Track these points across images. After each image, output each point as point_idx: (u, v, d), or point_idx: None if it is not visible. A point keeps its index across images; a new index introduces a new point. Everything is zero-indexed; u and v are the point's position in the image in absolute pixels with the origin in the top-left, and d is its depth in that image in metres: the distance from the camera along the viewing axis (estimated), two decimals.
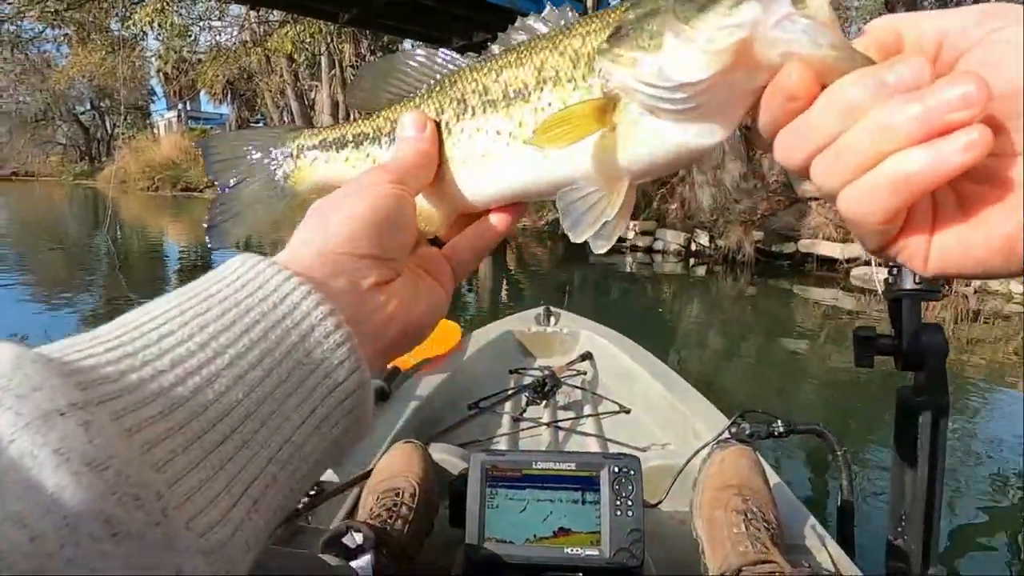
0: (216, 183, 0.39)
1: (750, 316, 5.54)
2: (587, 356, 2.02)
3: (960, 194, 0.23)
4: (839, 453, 1.00)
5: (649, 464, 1.28)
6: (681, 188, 8.61)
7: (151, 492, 0.18)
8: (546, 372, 1.72)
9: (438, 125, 0.33)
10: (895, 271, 0.74)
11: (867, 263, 6.19)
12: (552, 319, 2.26)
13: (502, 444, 1.42)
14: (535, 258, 8.78)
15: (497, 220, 0.35)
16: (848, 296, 5.82)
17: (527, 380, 1.71)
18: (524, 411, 1.60)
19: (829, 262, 6.48)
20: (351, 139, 0.36)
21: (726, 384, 3.37)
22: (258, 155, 0.38)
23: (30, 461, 0.16)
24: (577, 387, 1.82)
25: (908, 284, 0.73)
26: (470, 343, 1.91)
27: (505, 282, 7.08)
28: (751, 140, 0.28)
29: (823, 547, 0.93)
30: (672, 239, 8.17)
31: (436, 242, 0.35)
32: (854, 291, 5.93)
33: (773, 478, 1.18)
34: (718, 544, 0.75)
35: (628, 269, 7.84)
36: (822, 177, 0.23)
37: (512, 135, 0.31)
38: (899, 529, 0.71)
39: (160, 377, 0.20)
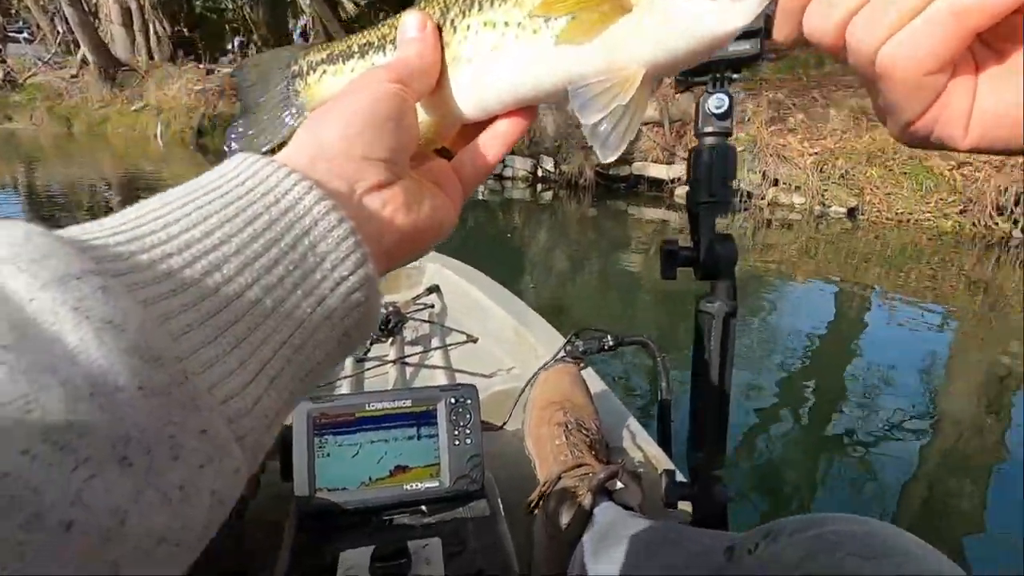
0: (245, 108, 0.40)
1: (591, 237, 5.91)
2: (434, 289, 2.00)
3: (997, 51, 0.22)
4: (659, 360, 1.10)
5: (495, 389, 1.31)
6: None
7: (171, 356, 0.18)
8: (390, 308, 1.68)
9: (441, 27, 0.32)
10: (695, 183, 0.80)
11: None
12: None
13: (344, 387, 1.37)
14: None
15: (506, 126, 0.33)
16: (673, 213, 6.44)
17: None
18: (368, 350, 1.55)
19: (657, 183, 7.06)
20: (356, 50, 0.35)
21: (569, 304, 3.60)
22: (275, 76, 0.39)
23: (51, 318, 0.16)
24: (425, 321, 1.81)
25: (704, 197, 0.78)
26: None
27: None
28: (769, 31, 0.26)
29: (642, 447, 1.03)
30: (520, 165, 8.29)
31: (445, 154, 0.34)
32: (678, 208, 6.58)
33: (600, 388, 1.29)
34: (544, 458, 0.80)
35: (480, 196, 7.86)
36: (864, 32, 0.22)
37: (520, 26, 0.29)
38: (699, 424, 0.81)
39: (169, 259, 0.20)
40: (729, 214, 5.88)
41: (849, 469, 2.15)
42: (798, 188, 6.13)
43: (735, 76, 0.80)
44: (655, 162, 7.12)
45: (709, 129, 0.81)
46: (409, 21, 0.31)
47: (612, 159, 0.29)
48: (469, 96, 0.32)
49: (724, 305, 0.77)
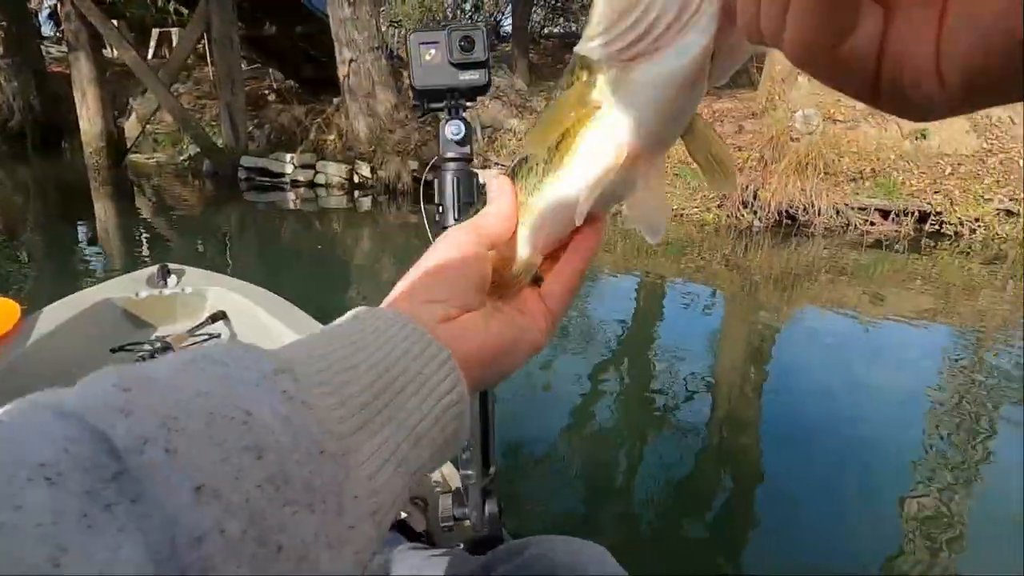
0: None
1: (415, 244, 5.87)
2: (220, 316, 1.82)
3: None
4: None
5: None
6: (338, 118, 8.34)
7: (335, 434, 0.25)
8: (157, 344, 1.48)
9: (514, 181, 0.35)
10: (440, 208, 0.82)
11: None
12: (172, 278, 1.94)
13: None
14: (180, 201, 7.46)
15: (574, 245, 0.36)
16: None
17: (137, 358, 1.45)
18: None
19: None
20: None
21: None
22: None
23: (271, 397, 0.23)
24: None
25: (450, 223, 0.81)
26: (41, 321, 1.49)
27: (144, 233, 5.86)
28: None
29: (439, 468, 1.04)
30: (334, 172, 7.94)
31: (539, 281, 0.37)
32: None
33: None
34: None
35: (292, 206, 7.36)
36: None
37: (545, 160, 0.33)
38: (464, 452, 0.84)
39: (345, 386, 0.27)
40: None
41: (633, 456, 2.43)
42: None
43: (469, 104, 0.85)
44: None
45: (451, 155, 0.84)
46: (493, 185, 0.36)
47: (658, 240, 0.31)
48: (531, 232, 0.35)
49: None
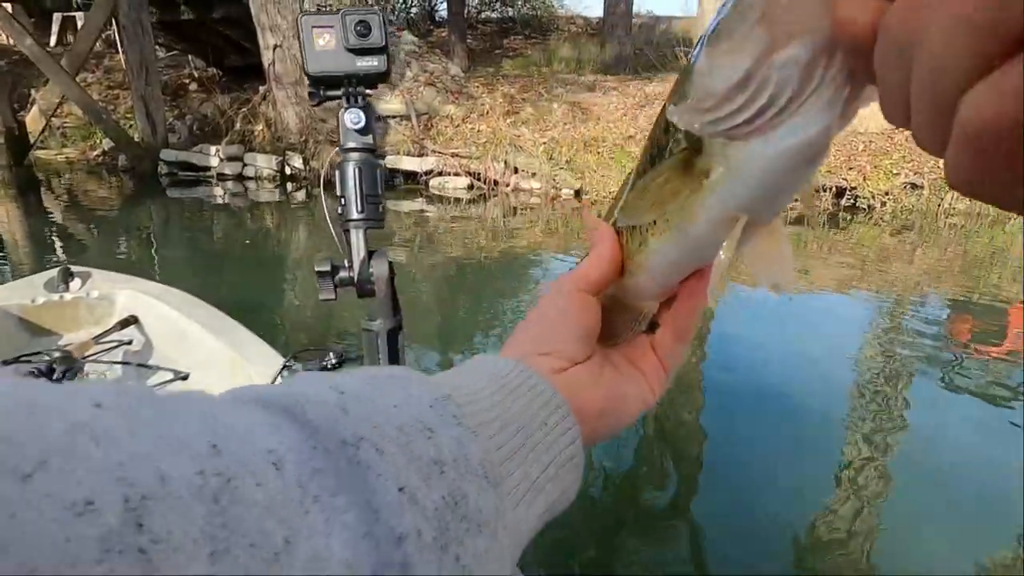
0: None
1: None
2: (131, 321, 1.72)
3: None
4: None
5: None
6: (265, 107, 7.98)
7: (493, 463, 0.26)
8: (56, 354, 1.38)
9: (618, 232, 0.35)
10: (343, 201, 0.80)
11: (440, 174, 7.09)
12: (76, 281, 1.82)
13: None
14: (94, 199, 6.96)
15: (685, 294, 0.35)
16: (431, 205, 6.59)
17: (31, 371, 1.34)
18: None
19: (412, 175, 7.15)
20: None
21: (323, 313, 3.42)
22: None
23: (444, 419, 0.25)
24: (117, 362, 1.54)
25: (352, 215, 0.79)
26: None
27: (54, 235, 5.42)
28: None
29: None
30: (264, 164, 7.62)
31: (653, 329, 0.36)
32: (434, 199, 6.76)
33: None
34: None
35: (220, 200, 7.02)
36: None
37: (653, 224, 0.32)
38: None
39: (491, 425, 0.28)
40: (381, 228, 6.21)
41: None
42: (534, 174, 6.78)
43: (369, 92, 0.82)
44: (407, 155, 7.18)
45: (352, 145, 0.81)
46: (597, 234, 0.35)
47: (781, 294, 0.30)
48: (640, 280, 0.34)
49: (386, 322, 0.79)
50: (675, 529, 1.88)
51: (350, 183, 0.80)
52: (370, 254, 0.79)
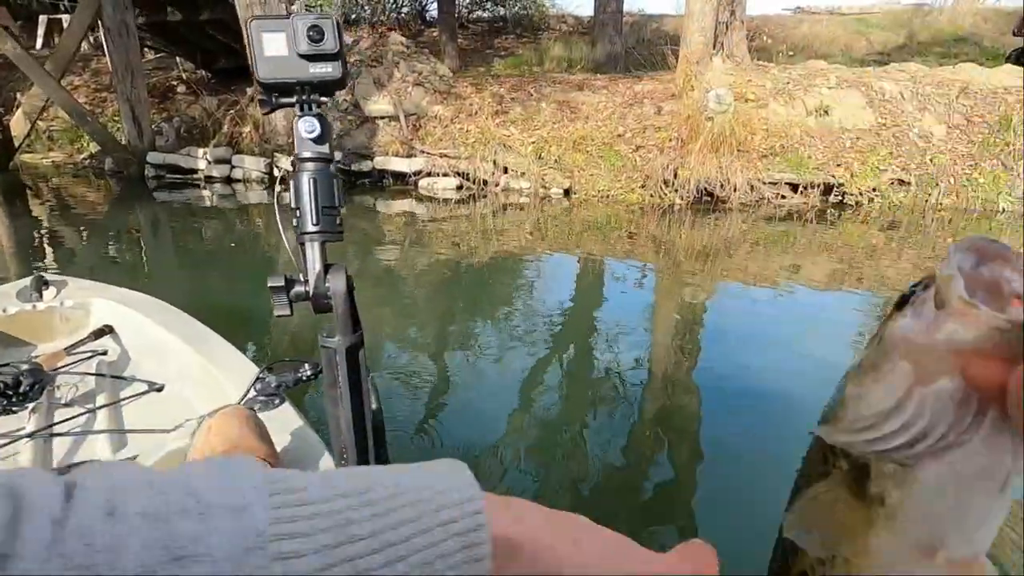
0: None
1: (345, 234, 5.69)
2: (106, 331, 1.69)
3: None
4: (366, 383, 1.06)
5: (169, 449, 1.14)
6: (252, 109, 7.92)
7: None
8: (25, 366, 1.35)
9: None
10: (298, 212, 0.77)
11: (429, 174, 7.05)
12: (50, 290, 1.79)
13: None
14: (81, 204, 6.89)
15: None
16: (420, 204, 6.56)
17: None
18: None
19: (401, 176, 7.11)
20: None
21: (295, 324, 3.38)
22: None
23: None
24: (91, 374, 1.51)
25: (308, 228, 0.77)
26: None
27: (39, 241, 5.35)
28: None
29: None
30: (252, 165, 7.56)
31: None
32: (423, 199, 6.73)
33: (296, 425, 1.21)
34: None
35: (208, 203, 6.97)
36: None
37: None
38: (342, 462, 0.80)
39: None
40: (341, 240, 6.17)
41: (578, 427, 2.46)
42: (523, 174, 6.76)
43: (324, 100, 0.80)
44: (396, 155, 7.15)
45: (307, 154, 0.79)
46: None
47: None
48: None
49: (344, 339, 0.77)
50: (670, 519, 1.87)
51: (305, 194, 0.78)
52: (327, 268, 0.77)
